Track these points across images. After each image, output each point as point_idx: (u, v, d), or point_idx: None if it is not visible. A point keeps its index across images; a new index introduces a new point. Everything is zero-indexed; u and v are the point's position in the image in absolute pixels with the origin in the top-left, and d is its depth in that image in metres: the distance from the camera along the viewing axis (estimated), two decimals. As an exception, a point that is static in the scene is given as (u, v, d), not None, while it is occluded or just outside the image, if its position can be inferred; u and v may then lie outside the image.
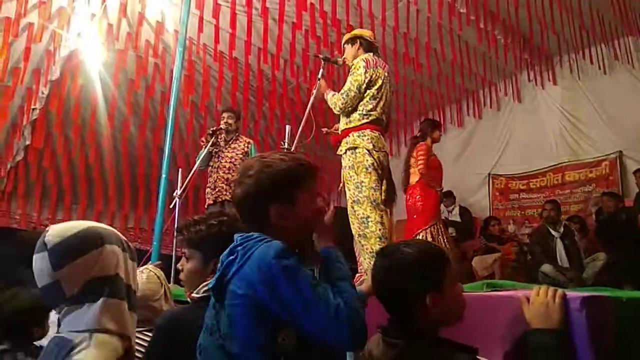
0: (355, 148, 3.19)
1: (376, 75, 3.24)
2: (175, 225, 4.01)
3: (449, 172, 4.80)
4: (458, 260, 5.08)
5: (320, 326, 1.10)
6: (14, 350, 1.93)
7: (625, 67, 6.41)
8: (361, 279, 3.16)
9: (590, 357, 1.16)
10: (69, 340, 1.15)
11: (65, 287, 1.19)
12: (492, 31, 6.06)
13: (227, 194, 4.48)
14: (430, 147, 4.61)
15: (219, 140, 4.79)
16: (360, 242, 3.15)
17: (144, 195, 7.38)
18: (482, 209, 7.59)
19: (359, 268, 3.33)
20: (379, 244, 2.99)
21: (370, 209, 3.11)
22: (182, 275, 1.72)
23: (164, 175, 4.03)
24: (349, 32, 3.64)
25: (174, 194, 4.34)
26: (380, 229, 3.08)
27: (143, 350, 1.66)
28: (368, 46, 3.43)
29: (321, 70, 3.53)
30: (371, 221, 3.09)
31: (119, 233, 1.35)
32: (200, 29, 5.43)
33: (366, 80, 3.20)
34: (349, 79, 3.26)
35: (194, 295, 1.60)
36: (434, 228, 4.34)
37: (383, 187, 3.24)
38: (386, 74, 3.34)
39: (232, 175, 4.36)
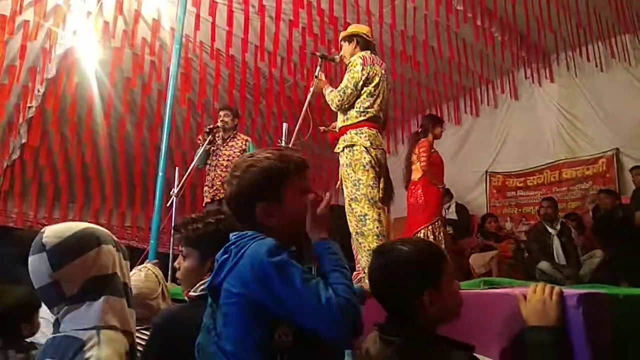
0: (352, 146, 3.19)
1: (373, 72, 3.25)
2: (172, 224, 4.01)
3: (446, 169, 4.78)
4: (455, 257, 5.07)
5: (312, 320, 1.09)
6: (4, 348, 1.93)
7: (622, 64, 6.42)
8: (359, 277, 3.16)
9: (587, 354, 1.16)
10: (76, 339, 1.17)
11: (65, 287, 1.21)
12: (489, 29, 6.06)
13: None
14: (431, 143, 4.59)
15: (216, 138, 4.78)
16: (357, 239, 3.16)
17: (140, 194, 7.36)
18: (480, 206, 7.60)
19: (356, 266, 3.33)
20: (376, 242, 3.00)
21: (367, 207, 3.11)
22: (179, 274, 1.72)
23: (160, 174, 4.02)
24: (346, 29, 3.64)
25: (171, 192, 4.33)
26: (377, 227, 3.09)
27: (141, 348, 1.66)
28: (365, 44, 3.43)
29: (318, 67, 3.53)
30: (369, 219, 3.10)
31: (110, 233, 1.36)
32: (197, 27, 5.42)
33: (363, 78, 3.20)
34: (346, 76, 3.26)
35: (191, 293, 1.60)
36: (435, 225, 4.33)
37: (381, 185, 3.24)
38: (383, 71, 3.34)
39: (230, 174, 4.35)
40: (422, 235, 4.28)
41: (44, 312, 2.04)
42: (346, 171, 3.21)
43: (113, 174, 7.21)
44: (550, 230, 5.48)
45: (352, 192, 3.16)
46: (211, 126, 4.75)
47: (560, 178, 6.94)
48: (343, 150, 3.24)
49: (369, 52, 3.37)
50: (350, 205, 3.18)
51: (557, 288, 1.26)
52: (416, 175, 4.51)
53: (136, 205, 7.54)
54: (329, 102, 3.32)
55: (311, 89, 3.47)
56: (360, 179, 3.14)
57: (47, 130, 6.38)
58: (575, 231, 5.62)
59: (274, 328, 1.14)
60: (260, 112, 7.20)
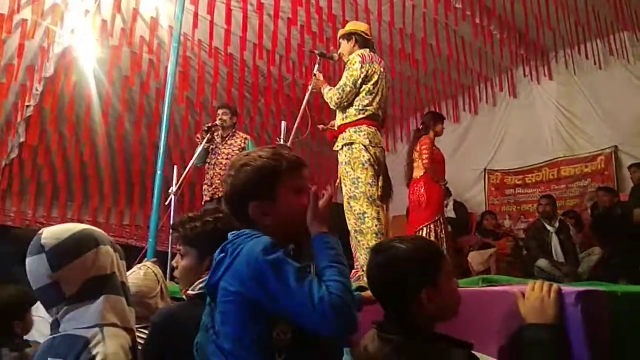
0: (351, 144, 3.20)
1: (372, 70, 3.25)
2: (171, 222, 4.00)
3: (445, 167, 4.78)
4: (455, 255, 5.06)
5: (306, 318, 1.09)
6: None
7: (620, 62, 6.42)
8: (357, 275, 3.17)
9: (585, 351, 1.16)
10: (79, 337, 1.18)
11: (65, 288, 1.23)
12: (487, 26, 6.06)
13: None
14: (433, 140, 4.58)
15: (214, 136, 4.78)
16: (356, 237, 3.16)
17: (139, 192, 7.35)
18: (478, 204, 7.60)
19: (355, 264, 3.34)
20: (375, 240, 3.00)
21: (366, 205, 3.11)
22: (176, 273, 1.72)
23: (159, 172, 4.01)
24: (345, 26, 3.63)
25: (169, 191, 4.32)
26: (376, 225, 3.09)
27: (139, 347, 1.66)
28: (363, 42, 3.43)
29: (317, 66, 3.53)
30: (367, 217, 3.10)
31: (106, 234, 1.38)
32: (195, 25, 5.40)
33: (362, 75, 3.20)
34: (345, 74, 3.27)
35: (189, 292, 1.60)
36: (437, 223, 4.33)
37: (379, 183, 3.25)
38: (382, 69, 3.34)
39: (229, 172, 4.35)
40: (424, 233, 4.27)
41: (41, 310, 2.04)
42: (345, 169, 3.22)
43: (111, 173, 7.20)
44: (548, 227, 5.48)
45: (351, 190, 3.17)
46: (209, 124, 4.75)
47: (558, 175, 6.94)
48: (342, 148, 3.25)
49: (367, 49, 3.38)
50: (349, 203, 3.18)
51: (555, 285, 1.26)
52: (418, 172, 4.50)
53: (134, 204, 7.52)
54: (327, 101, 3.32)
55: (310, 87, 3.47)
56: (359, 177, 3.14)
57: (45, 129, 6.36)
58: (573, 229, 5.63)
59: (272, 326, 1.15)
60: (259, 110, 7.19)
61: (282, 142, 3.41)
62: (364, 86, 3.23)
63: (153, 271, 2.05)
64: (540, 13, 5.85)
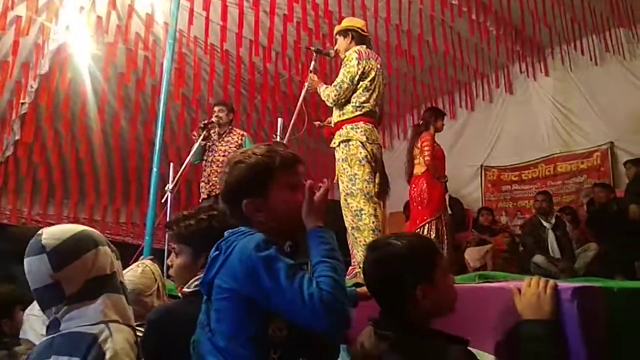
0: (348, 140, 3.19)
1: (369, 67, 3.24)
2: (167, 220, 3.99)
3: (442, 164, 4.78)
4: (454, 251, 5.00)
5: (298, 315, 1.08)
6: None
7: (616, 58, 6.43)
8: (354, 272, 3.17)
9: (581, 347, 1.16)
10: (85, 334, 1.21)
11: (66, 288, 1.25)
12: (484, 23, 6.05)
13: (221, 188, 4.47)
14: (434, 136, 4.54)
15: (211, 134, 4.76)
16: (353, 234, 3.16)
17: (135, 190, 7.34)
18: (475, 200, 7.61)
19: (352, 261, 3.33)
20: (372, 237, 3.01)
21: (363, 202, 3.12)
22: (171, 271, 1.72)
23: (155, 169, 4.00)
24: (341, 23, 3.62)
25: (166, 188, 4.31)
26: (373, 222, 3.10)
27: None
28: (360, 38, 3.42)
29: (313, 62, 3.52)
30: (364, 214, 3.10)
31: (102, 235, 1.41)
32: (191, 22, 5.37)
33: (359, 72, 3.20)
34: (342, 70, 3.26)
35: (184, 290, 1.60)
36: (439, 220, 4.30)
37: (376, 180, 3.25)
38: (379, 65, 3.34)
39: (226, 169, 4.35)
40: (425, 230, 4.25)
41: (35, 308, 2.03)
42: (342, 166, 3.22)
43: (107, 170, 7.18)
44: (545, 224, 5.50)
45: (348, 186, 3.17)
46: (206, 122, 4.73)
47: (555, 172, 6.96)
48: (339, 145, 3.25)
49: (364, 46, 3.37)
50: (346, 200, 3.18)
51: (551, 282, 1.26)
52: (419, 169, 4.45)
53: (131, 201, 7.51)
54: (325, 99, 3.32)
55: (306, 84, 3.46)
56: (356, 174, 3.14)
57: (40, 127, 6.34)
58: (569, 225, 5.64)
59: (268, 323, 1.14)
60: (255, 107, 7.17)
61: (278, 139, 3.40)
62: (361, 83, 3.23)
63: (151, 269, 2.05)
64: (536, 9, 5.85)
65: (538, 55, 7.15)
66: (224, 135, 4.76)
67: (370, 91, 3.24)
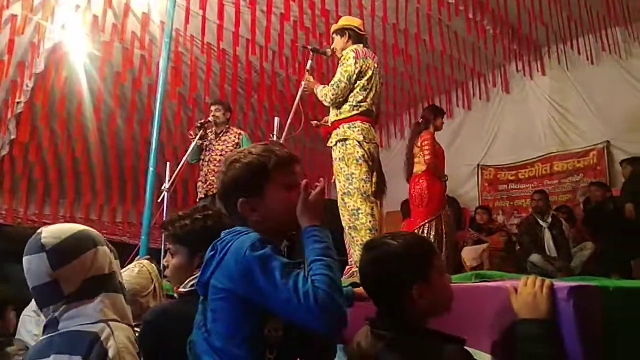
0: (345, 140, 3.19)
1: (366, 66, 3.24)
2: (164, 219, 3.98)
3: (439, 163, 4.77)
4: (455, 250, 4.91)
5: (293, 314, 1.08)
6: None
7: (612, 57, 6.45)
8: (351, 271, 3.17)
9: (577, 346, 1.16)
10: (85, 332, 1.22)
11: (64, 286, 1.26)
12: (481, 22, 6.06)
13: (218, 187, 4.46)
14: (433, 135, 4.50)
15: (208, 133, 4.75)
16: (350, 234, 3.16)
17: (131, 189, 7.32)
18: (472, 199, 7.62)
19: (349, 260, 3.33)
20: (369, 236, 3.00)
21: (360, 201, 3.11)
22: (167, 272, 1.72)
23: (151, 169, 3.99)
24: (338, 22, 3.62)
25: (162, 188, 4.30)
26: (370, 221, 3.10)
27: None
28: (357, 37, 3.42)
29: (309, 61, 3.52)
30: (361, 213, 3.10)
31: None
32: (187, 20, 5.37)
33: (356, 71, 3.19)
34: (339, 69, 3.26)
35: (180, 289, 1.60)
36: (439, 219, 4.25)
37: (373, 179, 3.25)
38: (376, 64, 3.34)
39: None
40: (425, 229, 4.21)
41: (30, 310, 2.02)
42: (339, 165, 3.21)
43: (104, 169, 7.15)
44: (541, 222, 5.51)
45: (345, 186, 3.17)
46: (202, 121, 4.72)
47: (551, 171, 6.98)
48: (336, 144, 3.24)
49: (361, 45, 3.37)
50: (343, 199, 3.18)
51: (547, 281, 1.26)
52: (419, 168, 4.40)
53: (127, 201, 7.49)
54: (322, 99, 3.31)
55: (303, 84, 3.45)
56: (353, 173, 3.14)
57: (36, 126, 6.31)
58: (566, 224, 5.65)
59: (263, 323, 1.14)
60: (252, 106, 7.16)
61: (275, 139, 3.40)
62: (358, 82, 3.22)
63: (148, 269, 2.04)
64: (533, 8, 5.87)
65: (535, 54, 7.17)
66: (220, 135, 4.75)
67: (367, 90, 3.24)
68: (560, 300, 1.21)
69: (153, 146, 4.06)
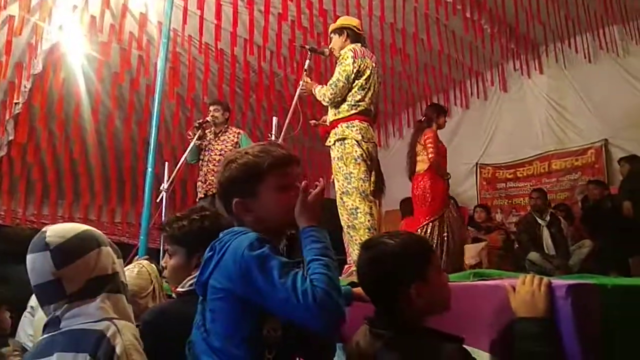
0: (344, 139, 3.20)
1: (364, 65, 3.24)
2: (162, 219, 3.98)
3: (437, 162, 4.76)
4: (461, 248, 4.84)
5: (291, 313, 1.08)
6: None
7: (610, 55, 6.46)
8: (350, 270, 3.17)
9: (575, 344, 1.17)
10: (90, 330, 1.22)
11: (67, 285, 1.26)
12: (478, 21, 6.06)
13: (219, 187, 4.45)
14: (436, 133, 4.46)
15: (206, 133, 4.75)
16: (349, 233, 3.16)
17: (130, 189, 7.31)
18: (470, 198, 7.63)
19: (347, 259, 3.34)
20: (367, 235, 3.01)
21: (359, 200, 3.12)
22: (166, 272, 1.72)
23: (149, 169, 3.98)
24: (336, 21, 3.62)
25: (161, 188, 4.29)
26: (369, 220, 3.10)
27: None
28: (355, 37, 3.42)
29: (307, 61, 3.52)
30: (360, 212, 3.10)
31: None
32: (185, 21, 5.36)
33: (354, 70, 3.20)
34: (337, 69, 3.26)
35: (178, 289, 1.60)
36: (441, 219, 4.22)
37: (372, 178, 3.25)
38: (374, 64, 3.34)
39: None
40: (428, 229, 4.17)
41: (26, 312, 2.02)
42: (337, 164, 3.22)
43: (102, 170, 7.15)
44: (539, 221, 5.52)
45: (343, 185, 3.17)
46: (200, 121, 4.71)
47: (549, 169, 6.99)
48: (334, 144, 3.25)
49: (359, 44, 3.37)
50: (341, 198, 3.18)
51: (545, 279, 1.26)
52: (422, 166, 4.35)
53: (126, 201, 7.48)
54: (320, 99, 3.31)
55: (301, 83, 3.46)
56: (351, 173, 3.14)
57: (34, 127, 6.30)
58: (564, 222, 5.67)
59: (262, 323, 1.14)
60: (250, 106, 7.16)
61: (273, 139, 3.40)
62: (356, 81, 3.23)
63: (147, 270, 2.04)
64: (530, 7, 5.87)
65: (532, 53, 7.17)
66: (219, 135, 4.75)
67: (366, 90, 3.25)
68: (558, 299, 1.22)
69: (151, 147, 4.06)
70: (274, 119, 3.63)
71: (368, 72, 3.25)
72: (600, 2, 5.82)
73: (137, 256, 3.09)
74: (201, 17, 5.42)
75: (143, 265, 2.06)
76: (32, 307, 2.01)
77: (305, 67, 3.47)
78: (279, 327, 1.15)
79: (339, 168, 3.19)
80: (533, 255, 5.31)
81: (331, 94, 3.22)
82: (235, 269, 1.13)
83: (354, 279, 1.62)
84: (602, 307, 1.22)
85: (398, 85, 7.48)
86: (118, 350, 1.20)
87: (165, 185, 4.34)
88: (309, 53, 3.53)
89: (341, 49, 3.37)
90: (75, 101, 6.14)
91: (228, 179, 1.29)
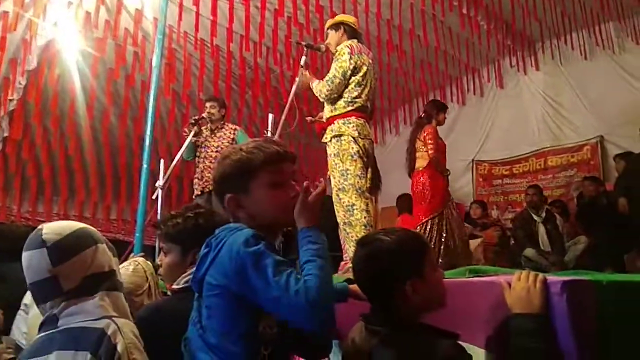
0: (340, 136, 3.19)
1: (361, 61, 3.24)
2: (158, 216, 3.97)
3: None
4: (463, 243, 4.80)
5: (283, 311, 1.08)
6: None
7: (606, 52, 6.47)
8: (346, 267, 3.17)
9: (571, 341, 1.17)
10: (90, 329, 1.21)
11: (63, 283, 1.26)
12: (475, 17, 6.07)
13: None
14: (436, 129, 4.46)
15: (202, 130, 4.73)
16: (345, 230, 3.17)
17: (126, 186, 7.29)
18: (466, 194, 7.65)
19: (344, 256, 3.34)
20: (364, 232, 3.01)
21: (355, 197, 3.12)
22: (161, 270, 1.73)
23: (145, 166, 3.98)
24: (332, 18, 3.61)
25: (156, 185, 4.28)
26: (365, 217, 3.10)
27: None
28: (352, 32, 3.42)
29: (304, 57, 3.51)
30: (356, 209, 3.10)
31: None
32: (180, 17, 5.34)
33: (351, 67, 3.19)
34: (334, 65, 3.25)
35: (174, 286, 1.60)
36: (441, 216, 4.21)
37: (368, 175, 3.25)
38: (370, 60, 3.33)
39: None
40: (428, 226, 4.16)
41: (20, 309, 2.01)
42: (334, 161, 3.21)
43: (97, 167, 7.12)
44: (535, 217, 5.54)
45: (339, 182, 3.17)
46: (196, 117, 4.70)
47: (545, 165, 7.01)
48: (331, 141, 3.24)
49: (356, 40, 3.36)
50: (337, 195, 3.18)
51: (541, 275, 1.26)
52: (422, 163, 4.34)
53: (121, 198, 7.46)
54: (317, 94, 3.31)
55: (297, 79, 3.45)
56: (348, 169, 3.14)
57: (29, 123, 6.27)
58: (560, 218, 5.69)
59: (258, 320, 1.14)
60: (246, 102, 7.14)
61: (269, 135, 3.39)
62: (353, 78, 3.22)
63: (143, 267, 2.03)
64: (526, 3, 5.88)
65: (528, 50, 7.18)
66: (216, 131, 4.73)
67: (362, 86, 3.24)
68: (553, 295, 1.22)
69: (147, 143, 4.05)
70: (270, 116, 3.62)
71: (365, 68, 3.24)
72: (596, -2, 5.84)
73: (133, 253, 3.08)
74: (197, 13, 5.39)
75: (138, 263, 2.05)
76: (25, 304, 2.01)
77: (302, 63, 3.46)
78: (274, 325, 1.15)
79: (336, 165, 3.19)
80: (529, 252, 5.33)
81: (327, 90, 3.21)
82: (231, 265, 1.13)
83: (350, 275, 1.62)
84: (597, 303, 1.22)
85: (394, 82, 7.48)
86: (119, 348, 1.20)
87: (160, 182, 4.32)
88: (305, 49, 3.51)
89: (337, 44, 3.36)
90: (70, 97, 6.11)
91: (222, 175, 1.30)
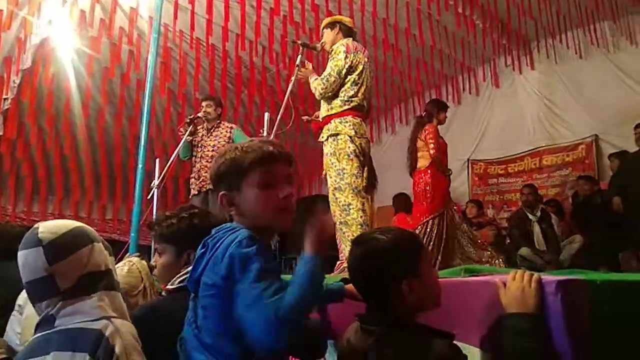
0: (337, 135, 3.19)
1: (357, 60, 3.24)
2: (154, 216, 3.96)
3: (429, 158, 4.75)
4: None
5: (247, 318, 1.07)
6: None
7: (601, 51, 6.49)
8: (342, 266, 3.17)
9: (565, 340, 1.17)
10: (88, 329, 1.20)
11: (60, 282, 1.25)
12: (470, 16, 6.08)
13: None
14: (437, 128, 4.43)
15: (198, 129, 4.71)
16: (341, 229, 3.17)
17: (121, 186, 7.28)
18: (462, 194, 7.66)
19: (339, 255, 3.34)
20: (360, 231, 3.01)
21: (351, 196, 3.12)
22: (156, 271, 1.72)
23: (140, 165, 3.97)
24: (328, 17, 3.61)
25: (152, 184, 4.27)
26: (361, 216, 3.10)
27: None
28: (348, 31, 3.42)
29: (299, 56, 3.50)
30: (352, 208, 3.11)
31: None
32: (176, 15, 5.32)
33: (346, 65, 3.19)
34: (329, 64, 3.25)
35: (168, 286, 1.60)
36: (442, 216, 4.18)
37: (364, 174, 3.25)
38: (366, 59, 3.34)
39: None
40: (428, 226, 4.13)
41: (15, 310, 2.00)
42: (330, 160, 3.21)
43: (93, 166, 7.11)
44: (530, 216, 5.55)
45: (336, 181, 3.17)
46: (192, 117, 4.68)
47: (540, 165, 7.03)
48: (327, 140, 3.24)
49: (351, 39, 3.36)
50: (334, 194, 3.18)
51: (535, 275, 1.26)
52: (424, 162, 4.31)
53: (117, 198, 7.44)
54: (313, 90, 3.31)
55: (292, 78, 3.45)
56: (344, 168, 3.14)
57: (24, 123, 6.25)
58: (555, 217, 5.71)
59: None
60: (242, 101, 7.14)
61: (265, 134, 3.39)
62: (349, 77, 3.22)
63: (138, 267, 2.03)
64: (522, 2, 5.90)
65: (524, 49, 7.20)
66: (212, 130, 4.71)
67: (359, 85, 3.24)
68: (548, 295, 1.22)
69: (142, 142, 4.04)
70: (266, 115, 3.62)
71: (361, 67, 3.25)
72: (590, -2, 5.86)
73: (128, 253, 3.07)
74: (192, 12, 5.38)
75: (133, 263, 2.04)
76: (19, 305, 1.99)
77: (298, 62, 3.46)
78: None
79: (332, 164, 3.19)
80: (524, 251, 5.35)
81: (322, 89, 3.22)
82: (225, 265, 1.14)
83: (346, 275, 1.62)
84: (591, 303, 1.22)
85: (390, 81, 7.49)
86: (117, 350, 1.19)
87: (156, 181, 4.30)
88: (301, 48, 3.51)
89: (333, 43, 3.36)
90: (65, 96, 6.09)
91: (217, 173, 1.31)
